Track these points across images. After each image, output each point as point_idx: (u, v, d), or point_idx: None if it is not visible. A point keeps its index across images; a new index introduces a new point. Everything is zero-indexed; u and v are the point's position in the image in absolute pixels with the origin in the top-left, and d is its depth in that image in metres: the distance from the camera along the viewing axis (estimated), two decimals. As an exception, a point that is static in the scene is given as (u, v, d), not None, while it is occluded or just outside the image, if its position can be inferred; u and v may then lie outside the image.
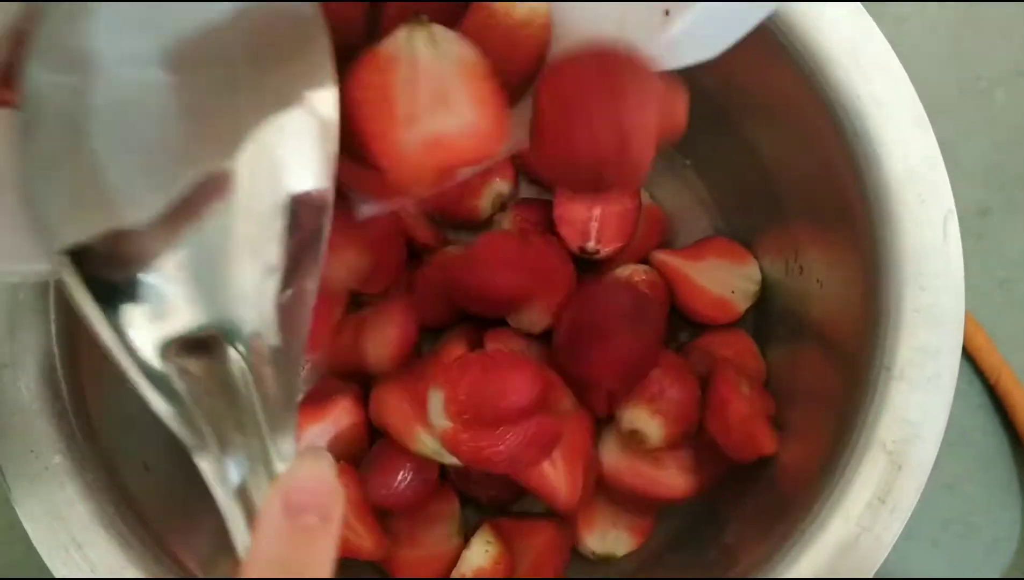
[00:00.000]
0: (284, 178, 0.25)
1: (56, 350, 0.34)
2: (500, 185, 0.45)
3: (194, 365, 0.25)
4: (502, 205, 0.45)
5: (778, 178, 0.42)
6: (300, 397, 0.25)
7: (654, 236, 0.46)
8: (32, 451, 0.33)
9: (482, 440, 0.35)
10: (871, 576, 0.32)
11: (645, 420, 0.40)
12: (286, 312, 0.25)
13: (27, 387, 0.33)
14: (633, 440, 0.40)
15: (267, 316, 0.25)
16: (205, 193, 0.25)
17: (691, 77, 0.42)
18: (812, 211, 0.40)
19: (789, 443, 0.39)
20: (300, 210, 0.25)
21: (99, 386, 0.35)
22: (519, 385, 0.35)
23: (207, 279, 0.25)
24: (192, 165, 0.25)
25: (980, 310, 0.48)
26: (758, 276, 0.44)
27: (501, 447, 0.35)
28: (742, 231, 0.46)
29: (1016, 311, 0.49)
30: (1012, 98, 0.51)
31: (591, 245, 0.43)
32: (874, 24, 0.35)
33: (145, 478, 0.36)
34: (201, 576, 0.34)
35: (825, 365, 0.39)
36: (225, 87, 0.25)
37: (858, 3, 0.35)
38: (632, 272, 0.43)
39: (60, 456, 0.33)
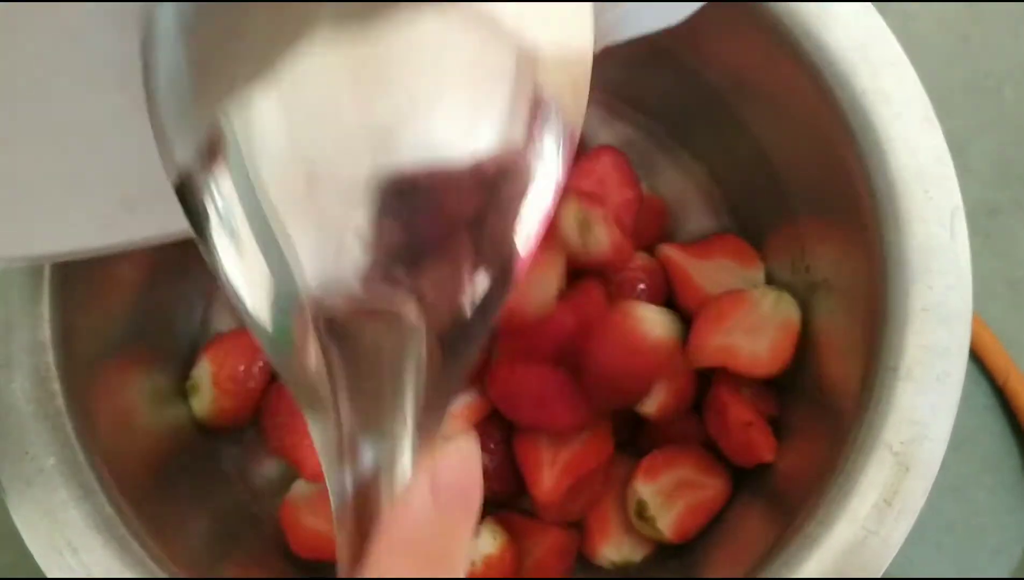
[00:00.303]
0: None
1: (51, 351, 0.33)
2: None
3: (347, 323, 0.23)
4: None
5: (784, 174, 0.41)
6: (455, 396, 0.23)
7: (653, 227, 0.45)
8: (27, 453, 0.32)
9: (518, 371, 0.38)
10: (878, 578, 0.31)
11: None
12: (490, 286, 0.22)
13: (21, 389, 0.33)
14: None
15: (465, 290, 0.22)
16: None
17: (696, 72, 0.42)
18: (819, 208, 0.40)
19: (794, 444, 0.39)
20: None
21: (95, 388, 0.35)
22: (565, 313, 0.38)
23: (392, 243, 0.22)
24: None
25: (988, 311, 0.48)
26: (761, 280, 0.44)
27: (534, 381, 0.38)
28: (748, 228, 0.45)
29: (1025, 312, 0.49)
30: (1021, 96, 0.51)
31: None
32: (883, 21, 0.35)
33: (141, 481, 0.36)
34: (199, 578, 0.34)
35: (830, 364, 0.38)
36: None
37: (867, 1, 0.35)
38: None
39: (55, 458, 0.32)
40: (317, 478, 0.40)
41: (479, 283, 0.22)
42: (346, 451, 0.22)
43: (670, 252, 0.44)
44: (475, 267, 0.23)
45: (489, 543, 0.40)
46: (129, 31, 0.24)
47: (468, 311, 0.22)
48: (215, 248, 0.23)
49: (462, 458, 0.21)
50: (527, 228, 0.22)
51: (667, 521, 0.39)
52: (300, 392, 0.23)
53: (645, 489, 0.40)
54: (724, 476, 0.41)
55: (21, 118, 0.27)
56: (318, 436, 0.22)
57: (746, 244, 0.45)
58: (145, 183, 0.28)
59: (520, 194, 0.22)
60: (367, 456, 0.21)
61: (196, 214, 0.23)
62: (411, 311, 0.22)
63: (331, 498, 0.22)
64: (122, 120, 0.28)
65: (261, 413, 0.42)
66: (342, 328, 0.22)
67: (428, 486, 0.20)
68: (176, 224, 0.28)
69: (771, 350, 0.40)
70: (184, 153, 0.23)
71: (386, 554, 0.19)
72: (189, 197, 0.23)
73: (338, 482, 0.21)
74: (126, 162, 0.29)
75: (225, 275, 0.23)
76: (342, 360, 0.22)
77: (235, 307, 0.23)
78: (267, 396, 0.42)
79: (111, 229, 0.29)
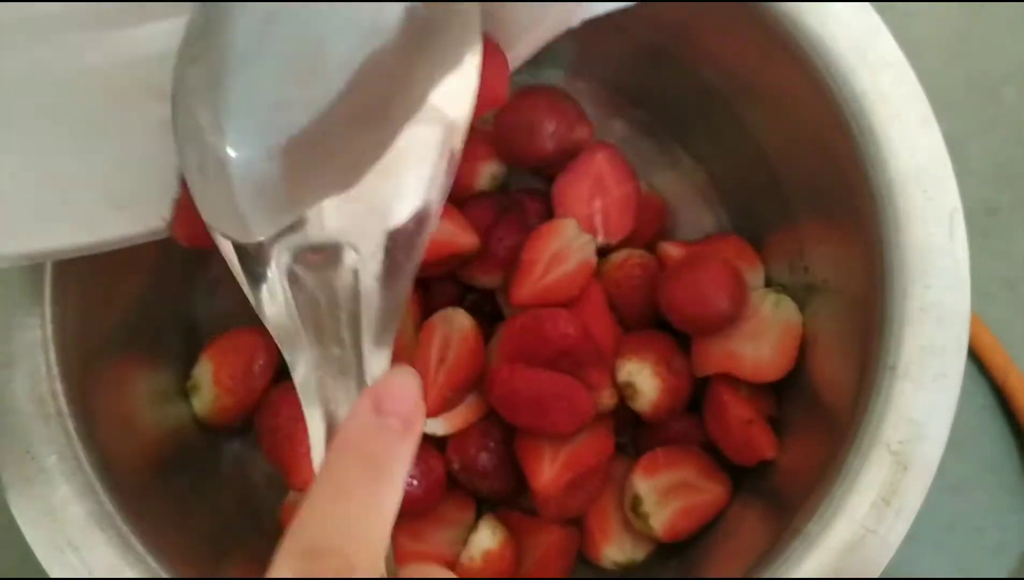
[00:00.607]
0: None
1: (52, 351, 0.34)
2: (493, 167, 0.44)
3: (308, 271, 0.28)
4: (499, 186, 0.45)
5: (783, 174, 0.41)
6: (399, 320, 0.28)
7: (652, 224, 0.45)
8: (28, 452, 0.32)
9: (517, 373, 0.38)
10: (877, 577, 0.31)
11: (646, 376, 0.40)
12: (405, 235, 0.28)
13: (22, 388, 0.33)
14: (623, 394, 0.40)
15: (385, 237, 0.28)
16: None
17: (696, 72, 0.42)
18: (818, 208, 0.40)
19: (793, 443, 0.39)
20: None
21: (95, 386, 0.35)
22: (568, 322, 0.38)
23: (328, 205, 0.28)
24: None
25: (987, 310, 0.48)
26: (760, 282, 0.44)
27: (533, 385, 0.38)
28: (747, 228, 0.45)
29: (1024, 312, 0.49)
30: (1020, 96, 0.51)
31: (600, 239, 0.43)
32: (880, 21, 0.35)
33: (142, 479, 0.36)
34: (199, 578, 0.34)
35: (829, 364, 0.38)
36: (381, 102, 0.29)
37: (866, 0, 0.35)
38: (628, 256, 0.43)
39: (56, 457, 0.33)
40: (305, 486, 0.40)
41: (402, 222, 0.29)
42: (316, 383, 0.27)
43: (670, 250, 0.44)
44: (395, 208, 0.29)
45: (488, 539, 0.40)
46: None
47: (396, 249, 0.28)
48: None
49: (400, 383, 0.25)
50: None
51: (660, 519, 0.39)
52: (284, 339, 0.28)
53: (642, 484, 0.40)
54: (724, 483, 0.41)
55: (18, 125, 0.28)
56: (297, 375, 0.27)
57: (746, 244, 0.45)
58: (132, 184, 0.31)
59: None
60: (331, 385, 0.27)
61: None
62: (348, 250, 0.28)
63: (308, 428, 0.26)
64: (113, 127, 0.29)
65: (258, 416, 0.42)
66: (300, 273, 0.28)
67: (370, 404, 0.24)
68: (153, 223, 0.31)
69: (775, 354, 0.40)
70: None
71: (334, 455, 0.24)
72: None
73: (312, 413, 0.27)
74: (115, 165, 0.30)
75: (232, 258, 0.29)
76: (304, 303, 0.28)
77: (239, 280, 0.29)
78: (265, 400, 0.42)
79: (101, 227, 0.31)
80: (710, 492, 0.41)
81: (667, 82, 0.45)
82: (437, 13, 0.29)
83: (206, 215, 0.29)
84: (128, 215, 0.31)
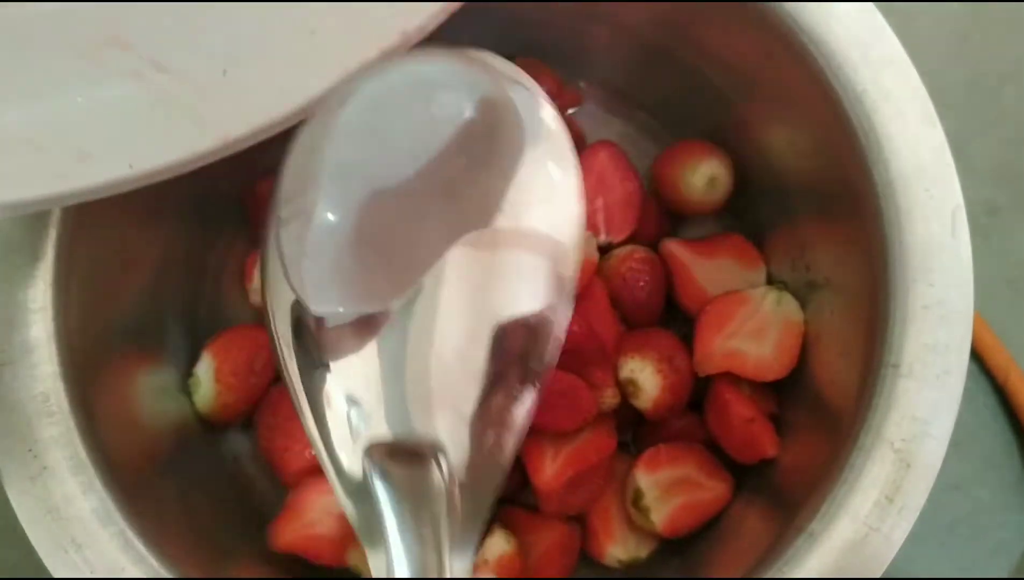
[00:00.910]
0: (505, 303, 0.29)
1: (54, 348, 0.33)
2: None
3: (396, 469, 0.28)
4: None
5: (785, 172, 0.41)
6: (485, 524, 0.28)
7: (654, 223, 0.45)
8: (30, 450, 0.32)
9: None
10: (879, 576, 0.31)
11: (648, 374, 0.40)
12: (494, 442, 0.28)
13: (24, 386, 0.33)
14: (625, 391, 0.41)
15: (474, 441, 0.28)
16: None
17: (697, 71, 0.42)
18: (819, 206, 0.40)
19: (795, 441, 0.39)
20: (518, 340, 0.29)
21: (97, 383, 0.35)
22: (573, 319, 0.37)
23: (419, 397, 0.28)
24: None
25: (988, 309, 0.48)
26: (762, 283, 0.44)
27: None
28: (749, 226, 0.45)
29: (1025, 310, 0.49)
30: (1021, 96, 0.51)
31: (603, 238, 0.43)
32: (883, 19, 0.35)
33: (145, 477, 0.36)
34: (202, 577, 0.34)
35: (831, 362, 0.38)
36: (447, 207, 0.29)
37: (868, 0, 0.35)
38: (630, 252, 0.43)
39: (58, 455, 0.32)
40: (297, 484, 0.40)
41: (494, 426, 0.28)
42: (392, 573, 0.26)
43: (674, 248, 0.44)
44: (491, 412, 0.28)
45: (503, 542, 0.40)
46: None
47: (486, 457, 0.28)
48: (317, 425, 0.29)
49: None
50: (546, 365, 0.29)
51: (661, 515, 0.40)
52: (364, 536, 0.28)
53: (644, 479, 0.40)
54: (726, 480, 0.41)
55: None
56: (375, 565, 0.27)
57: (750, 245, 0.45)
58: (99, 134, 0.31)
59: (546, 340, 0.29)
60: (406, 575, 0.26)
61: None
62: (436, 453, 0.28)
63: None
64: (76, 78, 0.30)
65: (257, 414, 0.42)
66: (384, 472, 0.28)
67: None
68: (121, 172, 0.31)
69: (776, 353, 0.40)
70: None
71: None
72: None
73: None
74: (81, 115, 0.31)
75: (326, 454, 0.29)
76: (387, 499, 0.27)
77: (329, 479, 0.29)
78: (265, 398, 0.42)
79: (67, 178, 0.31)
80: (712, 489, 0.41)
81: (667, 81, 0.45)
82: (492, 120, 0.29)
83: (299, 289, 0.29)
84: (96, 166, 0.31)
